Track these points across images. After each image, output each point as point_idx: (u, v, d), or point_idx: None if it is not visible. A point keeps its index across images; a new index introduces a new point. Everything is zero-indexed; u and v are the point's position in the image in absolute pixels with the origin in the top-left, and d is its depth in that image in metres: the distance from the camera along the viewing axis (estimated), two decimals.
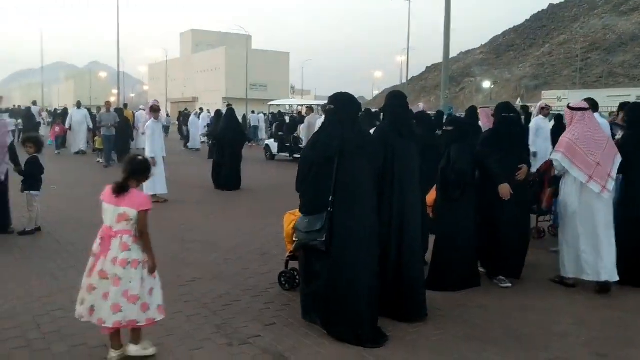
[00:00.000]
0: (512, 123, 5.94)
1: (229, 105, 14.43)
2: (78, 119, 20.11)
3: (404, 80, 64.47)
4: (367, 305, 4.31)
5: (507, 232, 5.75)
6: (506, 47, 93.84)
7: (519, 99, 48.96)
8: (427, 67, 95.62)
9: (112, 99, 29.69)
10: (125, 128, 18.14)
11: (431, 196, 5.91)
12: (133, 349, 3.90)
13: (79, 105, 21.06)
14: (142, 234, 3.78)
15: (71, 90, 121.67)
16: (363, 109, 7.14)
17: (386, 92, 6.99)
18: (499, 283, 5.80)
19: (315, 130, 5.24)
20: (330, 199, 4.27)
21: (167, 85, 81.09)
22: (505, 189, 5.62)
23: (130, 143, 18.83)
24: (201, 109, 31.82)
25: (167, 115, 40.45)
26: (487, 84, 73.74)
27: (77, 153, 20.27)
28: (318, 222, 4.30)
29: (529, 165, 6.00)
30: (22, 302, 4.99)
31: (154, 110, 11.55)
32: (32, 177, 7.77)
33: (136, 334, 3.91)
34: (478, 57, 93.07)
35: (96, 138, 18.67)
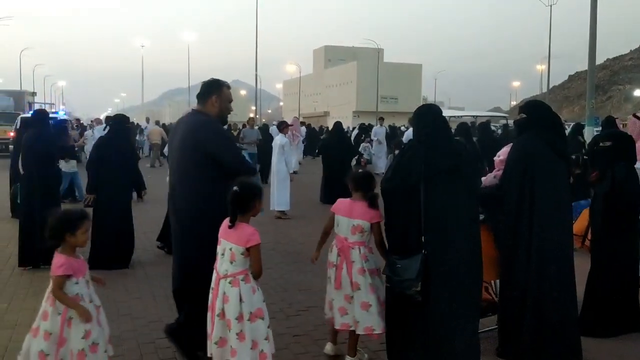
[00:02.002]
0: None
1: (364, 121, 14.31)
2: None
3: (545, 90, 60.89)
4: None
5: None
6: None
7: None
8: (569, 76, 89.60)
9: (251, 115, 30.60)
10: (266, 146, 17.23)
11: (579, 224, 5.03)
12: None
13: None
14: (381, 243, 3.98)
15: None
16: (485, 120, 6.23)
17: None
18: None
19: None
20: (423, 239, 3.55)
21: (300, 100, 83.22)
22: None
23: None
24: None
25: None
26: (637, 92, 67.58)
27: None
28: (413, 268, 3.53)
29: None
30: (132, 325, 4.88)
31: (283, 125, 11.71)
32: None
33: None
34: (627, 63, 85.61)
35: None
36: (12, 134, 19.61)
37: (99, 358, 3.33)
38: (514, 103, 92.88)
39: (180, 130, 4.17)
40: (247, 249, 3.39)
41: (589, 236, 4.90)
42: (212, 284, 3.51)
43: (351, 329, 4.01)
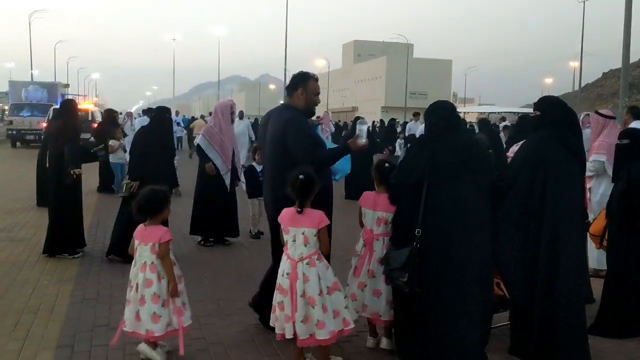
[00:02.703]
0: None
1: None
2: (239, 130, 17.33)
3: (577, 88, 59.80)
4: None
5: None
6: None
7: None
8: (603, 73, 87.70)
9: None
10: None
11: (597, 225, 4.94)
12: (386, 342, 4.21)
13: (240, 115, 19.00)
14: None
15: (243, 101, 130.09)
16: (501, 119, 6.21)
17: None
18: None
19: None
20: (417, 232, 3.59)
21: (329, 95, 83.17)
22: None
23: None
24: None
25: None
26: None
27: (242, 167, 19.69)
28: (400, 258, 3.62)
29: None
30: None
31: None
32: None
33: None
34: None
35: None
36: (44, 124, 19.99)
37: (189, 314, 4.06)
38: None
39: (271, 123, 4.43)
40: (318, 231, 3.72)
41: (607, 237, 4.83)
42: (287, 270, 3.76)
43: (357, 314, 4.15)
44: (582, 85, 58.52)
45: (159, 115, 7.19)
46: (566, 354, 3.84)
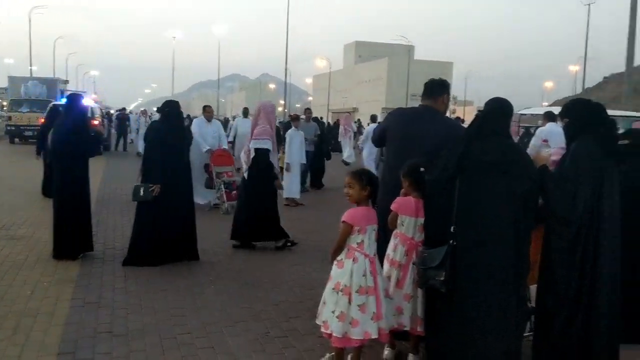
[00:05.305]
0: None
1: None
2: (244, 130, 14.18)
3: (578, 92, 59.72)
4: None
5: None
6: None
7: None
8: (604, 77, 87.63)
9: (279, 109, 29.68)
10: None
11: None
12: (413, 358, 4.03)
13: (245, 113, 16.22)
14: None
15: (243, 100, 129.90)
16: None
17: (557, 104, 5.56)
18: None
19: None
20: (452, 229, 3.40)
21: (330, 95, 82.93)
22: None
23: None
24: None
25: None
26: None
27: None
28: (436, 257, 3.43)
29: None
30: (155, 318, 4.78)
31: (293, 119, 12.27)
32: None
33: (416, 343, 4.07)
34: None
35: (281, 154, 11.79)
36: (42, 120, 19.69)
37: None
38: (545, 104, 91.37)
39: (428, 123, 4.31)
40: None
41: None
42: (369, 268, 3.66)
43: (405, 328, 3.95)
44: (585, 88, 58.31)
45: (173, 110, 6.71)
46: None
